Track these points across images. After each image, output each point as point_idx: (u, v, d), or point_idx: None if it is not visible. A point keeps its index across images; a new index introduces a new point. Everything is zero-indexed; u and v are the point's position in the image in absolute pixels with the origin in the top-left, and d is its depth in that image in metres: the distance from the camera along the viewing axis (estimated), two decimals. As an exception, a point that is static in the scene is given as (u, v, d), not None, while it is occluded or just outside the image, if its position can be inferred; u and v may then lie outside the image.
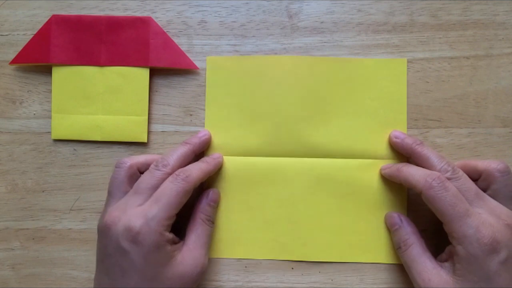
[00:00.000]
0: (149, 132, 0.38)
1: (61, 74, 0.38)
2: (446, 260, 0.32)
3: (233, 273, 0.37)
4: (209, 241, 0.35)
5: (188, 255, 0.32)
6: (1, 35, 0.39)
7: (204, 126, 0.38)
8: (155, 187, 0.32)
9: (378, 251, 0.37)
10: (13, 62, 0.38)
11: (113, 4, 0.38)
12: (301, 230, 0.37)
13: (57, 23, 0.37)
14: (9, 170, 0.38)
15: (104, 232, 0.31)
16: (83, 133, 0.38)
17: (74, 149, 0.38)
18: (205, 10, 0.38)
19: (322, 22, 0.38)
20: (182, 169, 0.33)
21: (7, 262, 0.38)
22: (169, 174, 0.33)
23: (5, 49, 0.39)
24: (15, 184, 0.38)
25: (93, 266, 0.38)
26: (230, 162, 0.37)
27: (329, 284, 0.37)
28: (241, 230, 0.37)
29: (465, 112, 0.38)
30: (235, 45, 0.38)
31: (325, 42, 0.38)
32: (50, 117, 0.38)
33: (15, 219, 0.38)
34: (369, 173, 0.37)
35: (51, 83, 0.38)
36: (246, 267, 0.37)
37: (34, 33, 0.38)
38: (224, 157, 0.37)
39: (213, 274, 0.37)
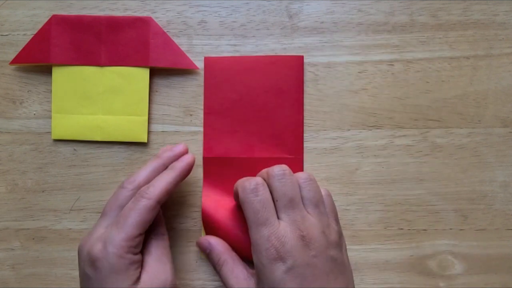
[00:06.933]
0: (149, 132, 0.38)
1: (61, 74, 0.38)
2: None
3: (233, 273, 0.37)
4: (170, 253, 0.33)
5: (154, 274, 0.31)
6: (1, 35, 0.39)
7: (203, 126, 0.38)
8: (122, 207, 0.31)
9: None
10: (13, 62, 0.38)
11: (113, 4, 0.38)
12: None
13: (57, 23, 0.37)
14: (9, 170, 0.38)
15: (78, 256, 0.31)
16: (83, 133, 0.38)
17: (74, 149, 0.38)
18: (205, 10, 0.38)
19: (322, 22, 0.38)
20: (146, 185, 0.32)
21: (7, 262, 0.38)
22: (136, 191, 0.32)
23: (5, 49, 0.39)
24: (15, 184, 0.38)
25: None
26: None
27: (329, 284, 0.37)
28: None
29: (465, 112, 0.37)
30: (235, 45, 0.38)
31: (325, 42, 0.38)
32: (50, 117, 0.38)
33: (15, 219, 0.38)
34: None
35: (51, 83, 0.38)
36: (246, 267, 0.37)
37: (34, 33, 0.38)
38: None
39: (212, 274, 0.37)
